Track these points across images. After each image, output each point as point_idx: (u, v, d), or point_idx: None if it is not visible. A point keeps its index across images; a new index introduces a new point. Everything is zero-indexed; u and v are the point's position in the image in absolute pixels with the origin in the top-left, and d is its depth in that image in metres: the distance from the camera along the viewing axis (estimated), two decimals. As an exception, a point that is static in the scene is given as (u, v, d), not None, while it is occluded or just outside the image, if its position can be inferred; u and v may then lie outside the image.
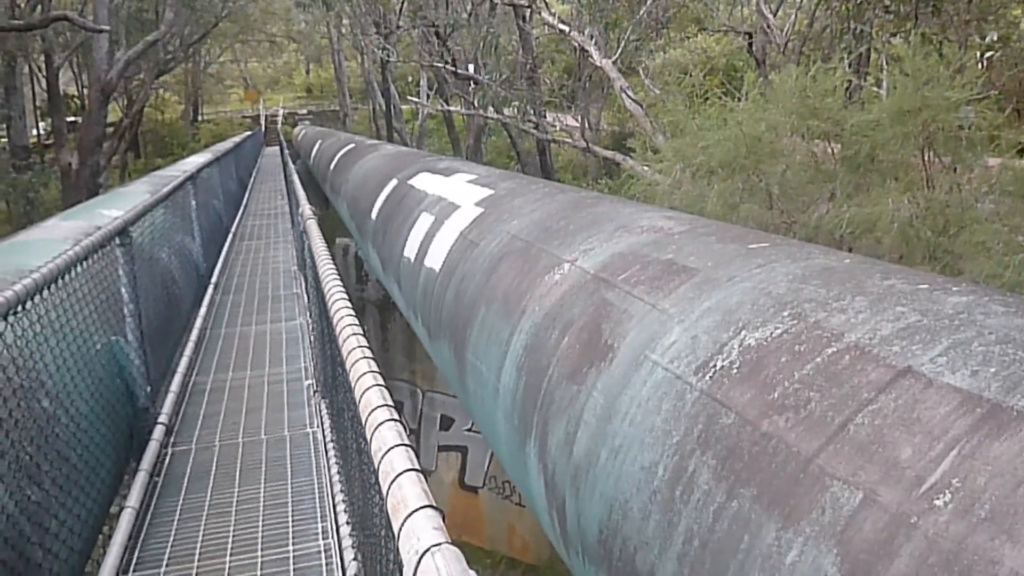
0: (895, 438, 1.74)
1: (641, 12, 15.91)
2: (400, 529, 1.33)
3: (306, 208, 5.89)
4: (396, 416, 1.72)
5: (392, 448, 1.56)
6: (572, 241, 4.02)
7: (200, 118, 49.98)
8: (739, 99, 8.80)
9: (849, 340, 2.09)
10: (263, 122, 44.25)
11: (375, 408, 1.78)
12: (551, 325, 3.46)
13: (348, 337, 2.38)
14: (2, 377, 3.00)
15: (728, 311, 2.56)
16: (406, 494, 1.41)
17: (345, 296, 2.98)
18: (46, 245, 5.35)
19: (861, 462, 1.76)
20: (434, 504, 1.36)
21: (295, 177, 10.82)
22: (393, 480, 1.46)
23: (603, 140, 24.45)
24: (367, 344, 2.30)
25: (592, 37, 15.51)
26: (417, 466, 1.49)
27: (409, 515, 1.33)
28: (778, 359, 2.20)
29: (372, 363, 2.11)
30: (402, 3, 25.33)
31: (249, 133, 32.26)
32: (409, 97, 31.37)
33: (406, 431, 1.68)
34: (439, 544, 1.22)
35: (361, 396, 1.91)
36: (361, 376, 2.02)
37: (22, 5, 22.75)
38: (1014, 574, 1.38)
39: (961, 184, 6.43)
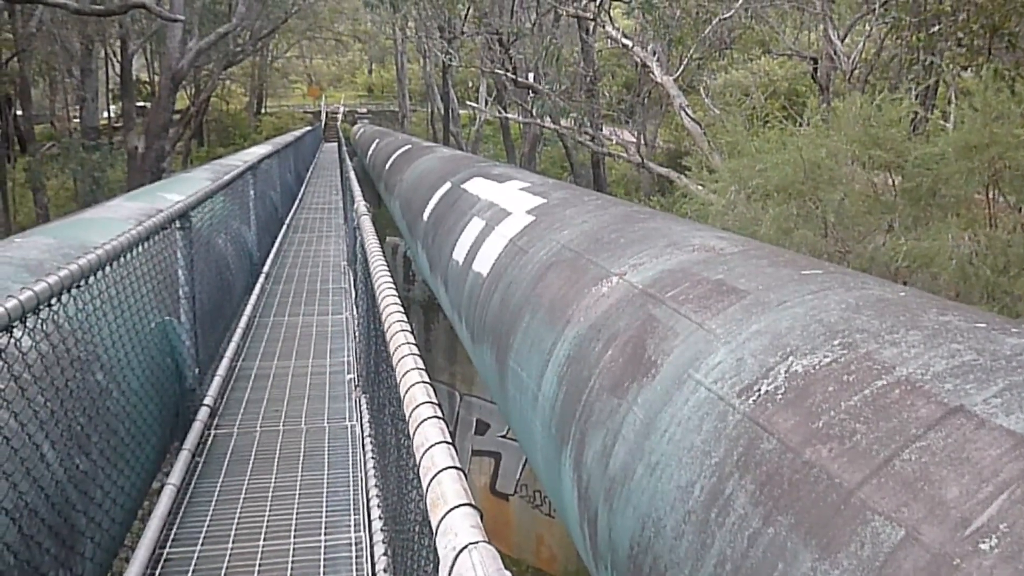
0: (942, 477, 1.70)
1: (706, 31, 15.80)
2: (438, 525, 1.34)
3: (361, 204, 5.97)
4: (440, 414, 1.74)
5: (435, 445, 1.57)
6: (622, 254, 4.01)
7: (263, 111, 51.04)
8: (800, 124, 8.70)
9: (900, 374, 2.06)
10: (323, 118, 45.01)
11: (419, 404, 1.80)
12: (595, 337, 3.46)
13: (396, 333, 2.41)
14: (61, 348, 3.11)
15: (777, 335, 2.53)
16: (446, 491, 1.41)
17: (394, 292, 3.01)
18: (110, 224, 5.52)
19: (905, 499, 1.72)
20: (473, 503, 1.37)
21: (351, 174, 10.98)
22: (434, 476, 1.47)
23: (658, 157, 24.30)
24: (414, 341, 2.33)
25: (655, 53, 15.49)
26: (458, 464, 1.50)
27: (448, 512, 1.34)
28: (825, 388, 2.17)
29: (418, 360, 2.13)
30: (467, 9, 25.56)
31: (309, 128, 32.87)
32: (468, 102, 31.64)
33: (448, 429, 1.69)
34: (477, 542, 1.23)
35: (406, 392, 1.93)
36: (407, 372, 2.04)
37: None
38: (1059, 625, 1.34)
39: (1025, 225, 6.27)
